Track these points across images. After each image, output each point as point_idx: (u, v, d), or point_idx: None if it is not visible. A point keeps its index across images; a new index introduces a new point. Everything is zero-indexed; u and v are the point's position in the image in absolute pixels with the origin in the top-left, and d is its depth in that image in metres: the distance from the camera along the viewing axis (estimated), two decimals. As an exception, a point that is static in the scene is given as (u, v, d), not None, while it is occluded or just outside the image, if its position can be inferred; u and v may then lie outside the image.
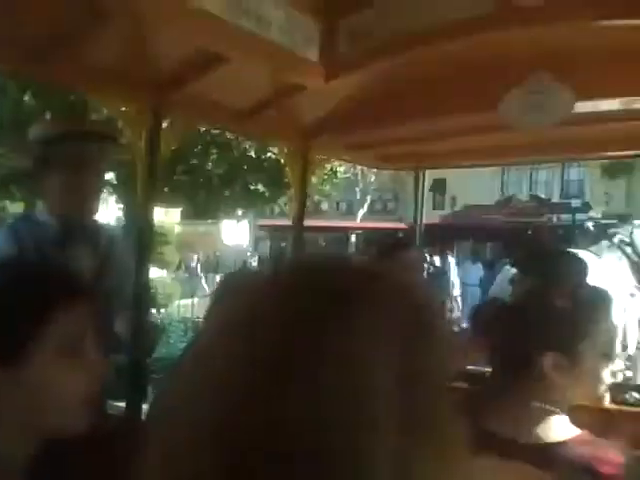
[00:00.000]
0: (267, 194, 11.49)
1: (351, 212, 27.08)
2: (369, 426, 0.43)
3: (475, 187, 25.02)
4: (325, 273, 0.51)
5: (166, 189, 9.79)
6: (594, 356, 1.29)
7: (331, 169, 11.77)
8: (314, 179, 14.67)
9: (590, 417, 1.95)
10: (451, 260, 14.13)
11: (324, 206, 25.18)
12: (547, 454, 1.20)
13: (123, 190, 10.33)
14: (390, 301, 0.49)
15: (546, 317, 1.29)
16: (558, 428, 1.26)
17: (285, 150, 3.24)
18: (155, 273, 13.19)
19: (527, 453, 1.20)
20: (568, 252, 2.39)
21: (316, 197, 17.85)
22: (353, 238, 25.02)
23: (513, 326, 1.32)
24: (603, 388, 1.38)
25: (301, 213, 3.27)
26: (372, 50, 2.03)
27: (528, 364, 1.28)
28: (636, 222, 4.68)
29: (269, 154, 10.28)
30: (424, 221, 4.11)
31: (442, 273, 13.18)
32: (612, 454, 1.17)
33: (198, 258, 21.71)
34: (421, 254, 3.79)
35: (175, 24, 1.76)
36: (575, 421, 1.29)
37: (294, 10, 1.94)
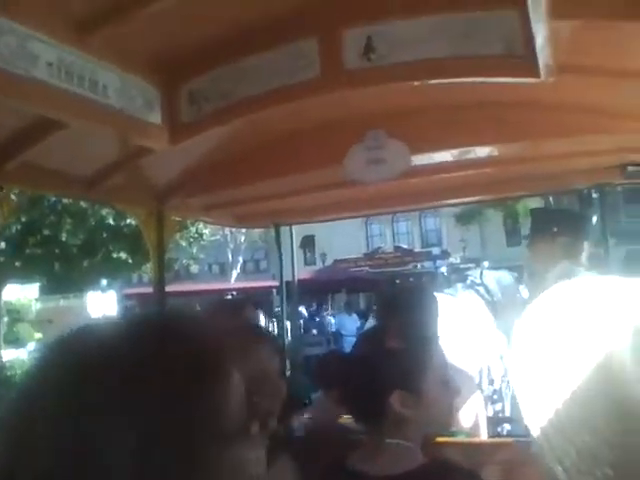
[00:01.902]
0: (130, 261, 11.10)
1: (224, 273, 26.81)
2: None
3: (342, 242, 25.90)
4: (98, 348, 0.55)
5: (18, 264, 9.14)
6: (436, 386, 1.37)
7: (197, 231, 11.67)
8: (183, 242, 14.51)
9: (464, 451, 2.03)
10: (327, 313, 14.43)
11: (194, 269, 24.69)
12: None
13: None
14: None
15: (382, 359, 1.36)
16: (408, 459, 1.33)
17: (141, 215, 3.15)
18: (11, 354, 12.25)
19: None
20: (409, 296, 2.50)
21: (184, 261, 17.54)
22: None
23: (356, 375, 1.37)
24: (451, 414, 1.48)
25: (161, 277, 3.18)
26: (211, 114, 2.06)
27: (378, 406, 1.33)
28: (485, 264, 5.05)
29: (129, 220, 10.00)
30: (297, 277, 4.16)
31: (320, 326, 13.38)
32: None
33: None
34: (254, 313, 3.79)
35: (5, 92, 1.68)
36: (448, 456, 1.36)
37: (130, 74, 1.93)
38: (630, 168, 2.89)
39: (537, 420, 0.52)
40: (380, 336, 1.42)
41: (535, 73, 1.76)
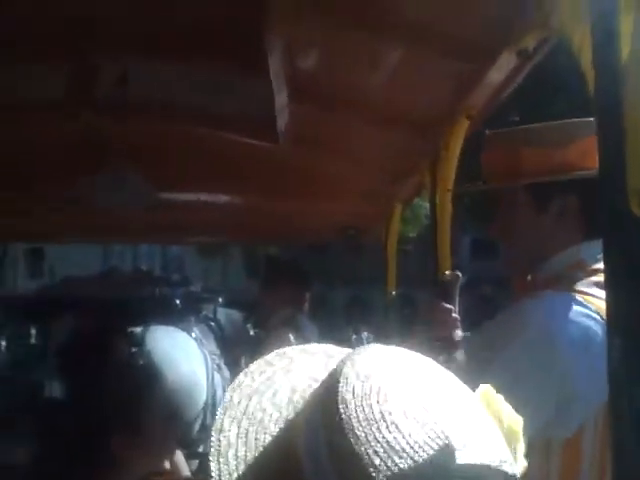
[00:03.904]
0: None
1: None
2: None
3: (76, 256, 24.14)
4: None
5: None
6: (158, 421, 1.37)
7: None
8: None
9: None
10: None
11: None
12: None
13: None
14: None
15: (99, 404, 1.32)
16: None
17: None
18: None
19: None
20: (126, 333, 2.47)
21: None
22: None
23: (66, 422, 1.31)
24: (176, 449, 1.48)
25: None
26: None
27: (100, 451, 1.29)
28: (219, 299, 5.20)
29: None
30: (18, 291, 3.78)
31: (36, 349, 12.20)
32: None
33: None
34: None
35: None
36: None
37: None
38: (350, 231, 3.30)
39: None
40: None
41: (273, 138, 1.93)
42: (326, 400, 0.56)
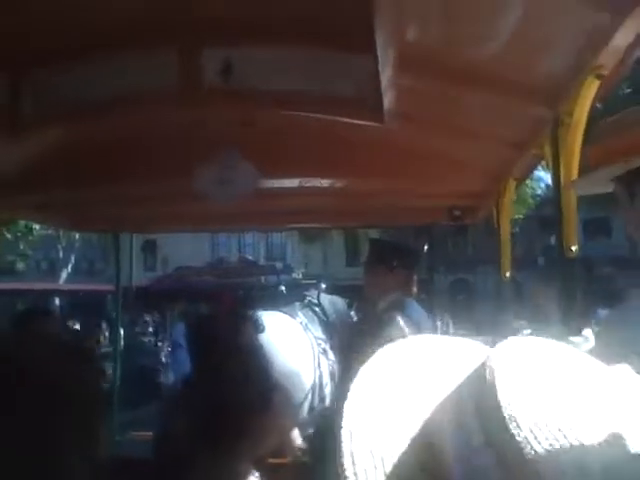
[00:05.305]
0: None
1: (53, 272, 24.93)
2: None
3: (186, 248, 25.31)
4: None
5: None
6: (274, 402, 1.42)
7: (26, 226, 10.71)
8: (9, 236, 13.25)
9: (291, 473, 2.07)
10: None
11: (20, 266, 22.67)
12: None
13: None
14: None
15: (224, 385, 1.36)
16: None
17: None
18: None
19: None
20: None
21: (9, 257, 16.03)
22: (57, 301, 22.96)
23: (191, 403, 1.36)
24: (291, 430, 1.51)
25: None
26: (55, 114, 1.94)
27: (223, 430, 1.33)
28: (323, 285, 5.23)
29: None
30: (134, 283, 4.00)
31: (155, 335, 12.96)
32: None
33: None
34: (56, 322, 3.61)
35: None
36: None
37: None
38: (457, 211, 3.18)
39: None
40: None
41: (379, 118, 1.87)
42: (479, 388, 0.52)
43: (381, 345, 0.64)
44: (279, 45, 1.92)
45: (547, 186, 17.83)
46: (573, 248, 1.57)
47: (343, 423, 0.56)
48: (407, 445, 0.54)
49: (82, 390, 0.62)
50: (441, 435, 0.53)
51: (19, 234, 11.02)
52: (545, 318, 3.33)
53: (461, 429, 0.52)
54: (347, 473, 0.53)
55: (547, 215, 15.10)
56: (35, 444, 0.53)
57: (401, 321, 1.84)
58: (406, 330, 1.72)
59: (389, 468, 0.53)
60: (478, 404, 0.52)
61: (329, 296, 4.65)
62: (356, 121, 1.97)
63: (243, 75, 1.96)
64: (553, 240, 1.91)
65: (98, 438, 0.64)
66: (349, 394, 0.58)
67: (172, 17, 1.85)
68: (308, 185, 2.79)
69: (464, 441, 0.51)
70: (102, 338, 11.49)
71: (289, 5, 1.75)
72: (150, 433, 1.87)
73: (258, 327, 2.83)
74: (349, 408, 0.57)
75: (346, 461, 0.53)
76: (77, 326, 14.44)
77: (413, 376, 0.60)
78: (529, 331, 3.31)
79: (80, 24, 1.79)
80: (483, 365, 0.53)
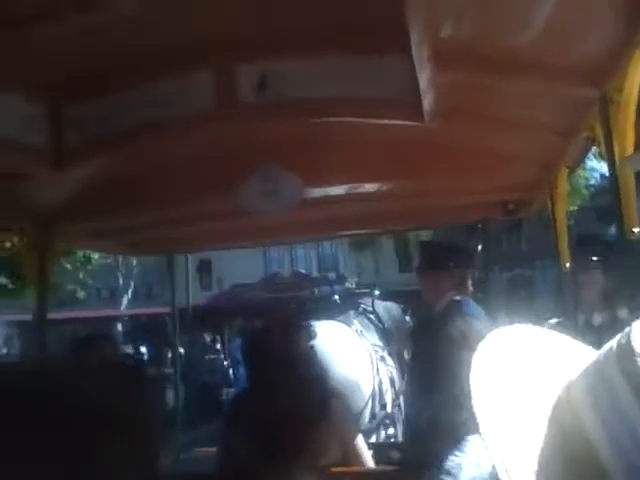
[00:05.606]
0: (11, 287, 10.37)
1: (114, 299, 25.64)
2: None
3: (240, 266, 25.61)
4: None
5: None
6: (334, 411, 1.40)
7: (84, 255, 11.08)
8: (68, 266, 13.71)
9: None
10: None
11: (81, 295, 23.40)
12: None
13: None
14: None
15: (285, 395, 1.36)
16: None
17: (19, 241, 2.98)
18: None
19: None
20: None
21: (70, 286, 16.61)
22: (120, 327, 23.62)
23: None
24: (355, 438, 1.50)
25: (42, 305, 3.02)
26: (100, 141, 1.99)
27: (284, 439, 1.33)
28: (376, 292, 5.19)
29: (7, 244, 9.35)
30: (191, 303, 4.08)
31: (214, 353, 13.14)
32: None
33: None
34: (113, 345, 3.71)
35: None
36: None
37: (10, 95, 1.82)
38: (510, 205, 3.10)
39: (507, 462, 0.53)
40: None
41: (419, 117, 1.84)
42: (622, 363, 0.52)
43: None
44: (313, 54, 1.93)
45: (601, 176, 17.24)
46: (635, 230, 1.50)
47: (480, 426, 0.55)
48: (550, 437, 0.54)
49: (137, 410, 0.62)
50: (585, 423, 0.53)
51: (78, 264, 11.41)
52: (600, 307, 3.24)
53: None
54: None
55: (603, 205, 14.61)
56: (93, 465, 0.53)
57: (460, 321, 1.80)
58: (466, 330, 1.68)
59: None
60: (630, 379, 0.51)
61: (383, 303, 4.60)
62: (397, 122, 1.95)
63: (279, 88, 1.97)
64: (610, 231, 1.84)
65: (157, 456, 0.64)
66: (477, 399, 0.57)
67: (204, 38, 1.88)
68: (354, 191, 2.78)
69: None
70: (165, 359, 11.73)
71: (319, 13, 1.75)
72: (213, 449, 1.88)
73: (312, 337, 2.83)
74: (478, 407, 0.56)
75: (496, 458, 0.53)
76: (143, 349, 14.79)
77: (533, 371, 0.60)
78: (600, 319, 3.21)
79: (116, 53, 1.84)
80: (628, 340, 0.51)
